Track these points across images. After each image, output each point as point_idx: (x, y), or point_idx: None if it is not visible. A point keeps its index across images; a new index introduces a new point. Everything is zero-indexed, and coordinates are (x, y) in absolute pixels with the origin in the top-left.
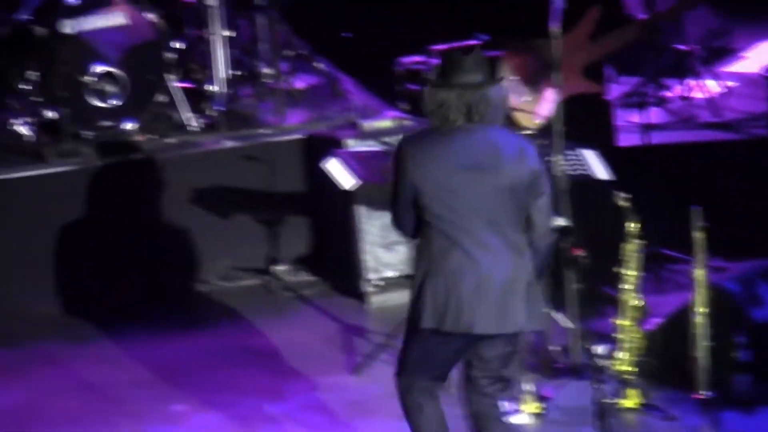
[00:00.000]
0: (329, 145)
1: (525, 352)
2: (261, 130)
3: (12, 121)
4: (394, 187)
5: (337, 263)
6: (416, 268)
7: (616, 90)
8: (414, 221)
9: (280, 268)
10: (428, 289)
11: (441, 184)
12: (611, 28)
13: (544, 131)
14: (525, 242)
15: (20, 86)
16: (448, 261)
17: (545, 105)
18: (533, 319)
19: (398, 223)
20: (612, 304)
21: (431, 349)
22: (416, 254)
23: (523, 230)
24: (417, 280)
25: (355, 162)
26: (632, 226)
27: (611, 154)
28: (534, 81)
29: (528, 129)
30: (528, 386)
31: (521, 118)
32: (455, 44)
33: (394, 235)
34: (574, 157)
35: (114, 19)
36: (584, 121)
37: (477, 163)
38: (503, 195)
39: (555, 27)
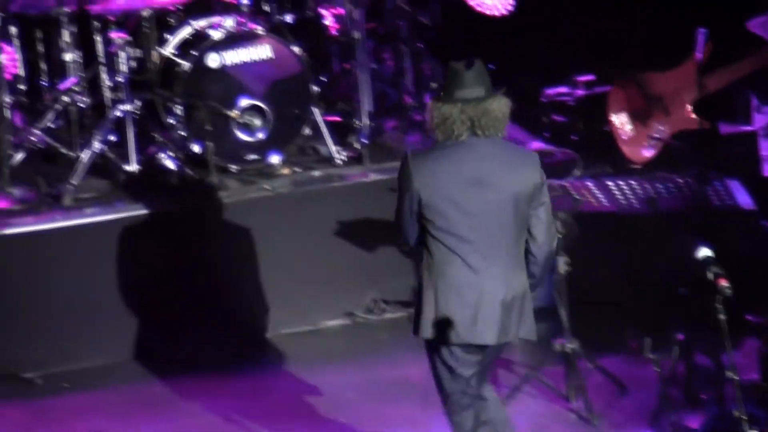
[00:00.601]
0: None
1: (668, 383)
2: None
3: (159, 154)
4: (400, 199)
5: None
6: (419, 279)
7: (760, 120)
8: (417, 233)
9: None
10: (430, 301)
11: (445, 198)
12: (739, 58)
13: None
14: (523, 254)
15: (166, 120)
16: (450, 274)
17: (651, 139)
18: (525, 329)
19: (402, 235)
20: (757, 333)
21: (447, 365)
22: (419, 266)
23: (523, 243)
24: (419, 292)
25: None
26: None
27: (756, 184)
28: (641, 115)
29: (636, 163)
30: (673, 417)
31: (629, 152)
32: (593, 76)
33: None
34: (719, 187)
35: (259, 52)
36: (729, 151)
37: (481, 176)
38: (507, 207)
39: (699, 58)
